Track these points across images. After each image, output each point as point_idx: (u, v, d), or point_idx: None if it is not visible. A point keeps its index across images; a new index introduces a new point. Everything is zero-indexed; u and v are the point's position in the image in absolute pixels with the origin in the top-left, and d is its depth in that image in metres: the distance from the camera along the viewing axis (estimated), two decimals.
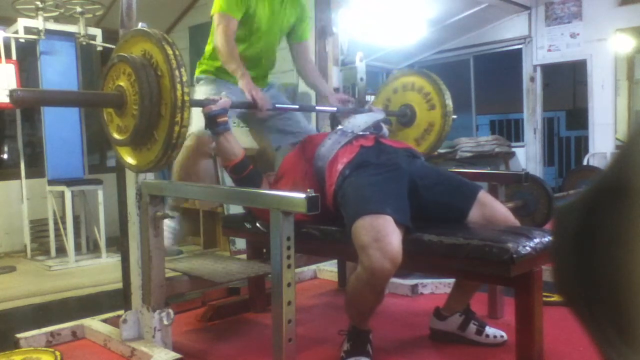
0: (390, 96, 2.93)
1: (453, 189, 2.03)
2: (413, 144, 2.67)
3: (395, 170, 1.99)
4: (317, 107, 2.87)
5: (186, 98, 1.57)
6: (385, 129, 2.39)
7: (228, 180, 2.48)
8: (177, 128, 1.58)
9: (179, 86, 1.56)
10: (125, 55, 1.68)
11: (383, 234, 1.72)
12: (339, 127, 2.24)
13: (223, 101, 2.12)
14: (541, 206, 3.00)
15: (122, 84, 1.69)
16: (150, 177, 2.10)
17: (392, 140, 2.29)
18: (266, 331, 2.21)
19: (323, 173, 2.07)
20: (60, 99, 2.06)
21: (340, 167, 2.03)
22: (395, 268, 1.72)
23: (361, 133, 2.18)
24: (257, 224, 2.40)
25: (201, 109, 2.08)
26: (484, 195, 2.03)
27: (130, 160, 1.79)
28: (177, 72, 1.56)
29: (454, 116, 2.78)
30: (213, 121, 2.12)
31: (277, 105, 2.36)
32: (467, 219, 1.98)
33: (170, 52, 1.58)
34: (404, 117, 2.83)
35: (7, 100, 3.77)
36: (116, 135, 1.77)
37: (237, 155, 2.16)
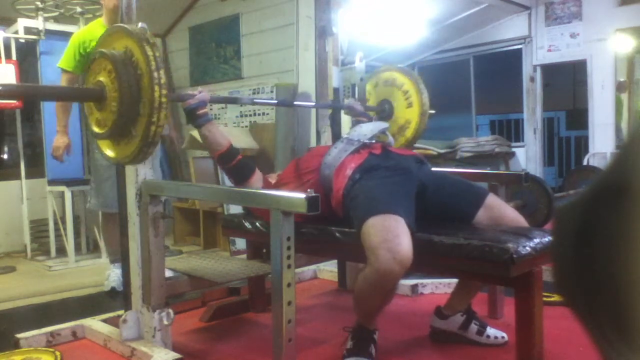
0: (371, 90, 3.02)
1: (460, 192, 2.04)
2: None
3: (405, 174, 2.00)
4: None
5: (164, 99, 1.62)
6: (390, 138, 2.41)
7: (228, 181, 2.49)
8: (153, 128, 1.64)
9: (157, 87, 1.60)
10: (106, 51, 1.71)
11: (394, 234, 1.69)
12: (345, 135, 2.25)
13: (201, 95, 2.15)
14: (541, 206, 3.00)
15: (102, 79, 1.73)
16: (150, 176, 2.10)
17: (399, 149, 2.30)
18: (266, 331, 2.21)
19: (330, 181, 2.06)
20: (42, 94, 2.18)
21: (349, 172, 2.02)
22: (404, 270, 1.68)
23: (367, 141, 2.16)
24: (257, 224, 2.40)
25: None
26: (492, 199, 2.03)
27: (109, 152, 1.85)
28: (155, 74, 1.60)
29: (432, 111, 2.87)
30: (193, 114, 2.16)
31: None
32: (474, 222, 1.98)
33: (150, 53, 1.62)
34: (383, 112, 2.93)
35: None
36: (96, 129, 1.82)
37: (221, 145, 2.22)
